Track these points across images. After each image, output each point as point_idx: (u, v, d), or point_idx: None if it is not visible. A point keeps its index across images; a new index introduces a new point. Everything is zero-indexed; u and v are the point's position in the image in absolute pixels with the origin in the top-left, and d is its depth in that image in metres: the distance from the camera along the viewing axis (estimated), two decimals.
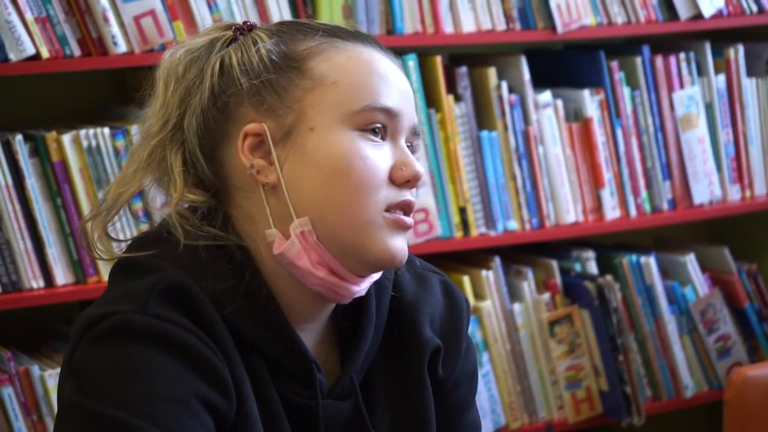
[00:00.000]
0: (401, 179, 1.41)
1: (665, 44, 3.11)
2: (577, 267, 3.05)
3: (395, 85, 1.43)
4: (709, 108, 3.13)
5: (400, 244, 1.41)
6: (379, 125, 1.40)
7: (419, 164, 1.42)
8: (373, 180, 1.39)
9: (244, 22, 1.47)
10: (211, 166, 1.43)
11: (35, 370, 2.47)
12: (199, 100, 1.42)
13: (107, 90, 2.80)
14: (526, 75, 2.91)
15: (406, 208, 1.42)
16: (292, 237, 1.39)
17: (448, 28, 2.81)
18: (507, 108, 2.90)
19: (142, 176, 1.44)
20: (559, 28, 2.90)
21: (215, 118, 1.42)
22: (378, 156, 1.40)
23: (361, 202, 1.38)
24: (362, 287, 1.44)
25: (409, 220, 1.42)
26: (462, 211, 2.86)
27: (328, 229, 1.39)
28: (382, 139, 1.41)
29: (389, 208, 1.40)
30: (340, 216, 1.38)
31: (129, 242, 1.45)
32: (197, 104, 1.42)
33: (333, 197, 1.38)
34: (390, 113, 1.41)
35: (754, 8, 3.13)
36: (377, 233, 1.39)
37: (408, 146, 1.44)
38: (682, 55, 3.08)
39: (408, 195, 1.42)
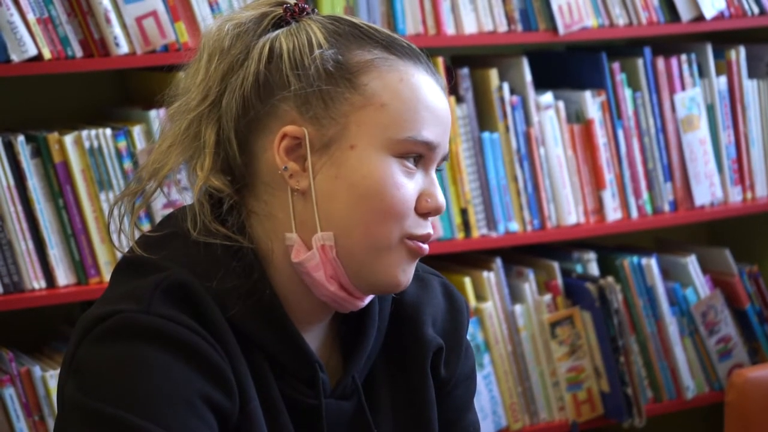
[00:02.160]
0: (424, 210, 1.41)
1: (667, 46, 3.11)
2: (579, 268, 3.05)
3: (438, 115, 1.42)
4: (710, 109, 3.13)
5: (409, 271, 1.43)
6: (415, 158, 1.40)
7: (442, 195, 1.42)
8: (403, 208, 1.39)
9: (296, 3, 1.44)
10: (242, 154, 1.41)
11: (37, 370, 2.47)
12: (241, 83, 1.40)
13: (109, 91, 2.80)
14: (528, 76, 2.92)
15: (425, 239, 1.43)
16: (313, 249, 1.39)
17: (449, 29, 2.81)
18: (508, 109, 2.90)
19: (177, 151, 1.42)
20: (561, 30, 2.90)
21: (255, 107, 1.40)
22: (410, 185, 1.40)
23: (387, 227, 1.39)
24: (365, 302, 1.46)
25: (425, 247, 1.43)
26: (463, 212, 2.86)
27: (348, 247, 1.39)
28: (416, 167, 1.41)
29: (411, 237, 1.41)
30: (364, 238, 1.39)
31: (137, 240, 1.45)
32: (238, 86, 1.40)
33: (361, 219, 1.38)
34: (429, 146, 1.41)
35: (756, 10, 3.13)
36: (393, 258, 1.40)
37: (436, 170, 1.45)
38: (683, 57, 3.08)
39: (429, 228, 1.42)
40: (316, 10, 1.47)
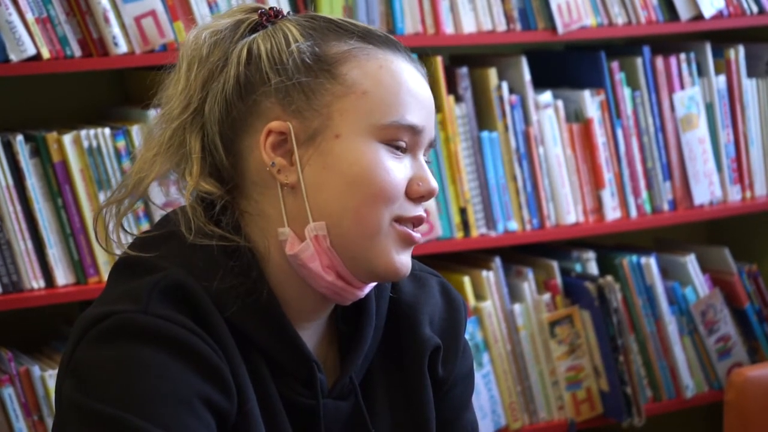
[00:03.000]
0: (416, 194, 1.42)
1: (666, 45, 3.11)
2: (578, 267, 3.05)
3: (421, 99, 1.43)
4: (709, 108, 3.13)
5: (405, 259, 1.43)
6: (402, 142, 1.41)
7: (434, 179, 1.43)
8: (392, 192, 1.40)
9: (271, 8, 1.46)
10: (229, 156, 1.42)
11: (36, 370, 2.47)
12: (223, 87, 1.41)
13: (108, 90, 2.80)
14: (527, 75, 2.92)
15: (417, 222, 1.43)
16: (307, 240, 1.40)
17: (448, 28, 2.81)
18: (507, 108, 2.90)
19: (162, 160, 1.43)
20: (560, 29, 2.90)
21: (238, 108, 1.41)
22: (398, 169, 1.41)
23: (378, 213, 1.39)
24: (365, 291, 1.46)
25: (417, 235, 1.43)
26: (462, 211, 2.86)
27: (341, 235, 1.40)
28: (403, 152, 1.42)
29: (400, 220, 1.41)
30: (355, 224, 1.39)
31: (132, 240, 1.45)
32: (220, 91, 1.41)
33: (351, 206, 1.39)
34: (414, 130, 1.42)
35: (755, 9, 3.13)
36: (385, 244, 1.41)
37: (424, 155, 1.45)
38: (682, 56, 3.08)
39: (420, 210, 1.43)
40: (291, 12, 1.48)
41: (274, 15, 1.45)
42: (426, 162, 1.45)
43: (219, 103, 1.41)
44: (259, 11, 1.45)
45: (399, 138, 1.41)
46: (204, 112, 1.42)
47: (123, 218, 1.46)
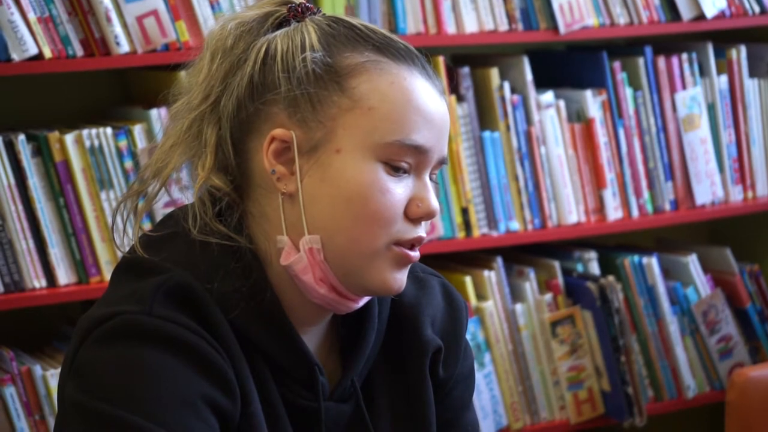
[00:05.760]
0: (415, 215, 1.40)
1: (667, 45, 3.11)
2: (579, 267, 3.05)
3: (431, 119, 1.40)
4: (711, 109, 3.13)
5: (399, 277, 1.41)
6: (405, 163, 1.39)
7: (435, 200, 1.41)
8: (388, 214, 1.38)
9: (300, 4, 1.43)
10: (236, 155, 1.41)
11: (37, 369, 2.48)
12: (238, 84, 1.40)
13: (110, 90, 2.80)
14: (529, 75, 2.92)
15: (417, 242, 1.41)
16: (301, 252, 1.39)
17: (450, 28, 2.81)
18: (509, 108, 2.90)
19: (179, 151, 1.42)
20: (562, 29, 2.90)
21: (248, 109, 1.40)
22: (398, 189, 1.38)
23: (373, 233, 1.38)
24: (360, 304, 1.45)
25: (414, 255, 1.41)
26: (464, 211, 2.86)
27: (335, 250, 1.38)
28: (406, 173, 1.40)
29: (399, 243, 1.39)
30: (349, 242, 1.38)
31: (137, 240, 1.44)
32: (236, 87, 1.40)
33: (345, 223, 1.37)
34: (419, 150, 1.39)
35: (757, 9, 3.13)
36: (381, 264, 1.39)
37: (432, 174, 1.43)
38: (684, 56, 3.08)
39: (420, 231, 1.41)
40: (320, 10, 1.46)
41: (302, 12, 1.43)
42: (434, 182, 1.43)
43: (232, 99, 1.40)
44: (289, 6, 1.43)
45: (402, 157, 1.38)
46: (221, 105, 1.41)
47: (137, 214, 1.44)
